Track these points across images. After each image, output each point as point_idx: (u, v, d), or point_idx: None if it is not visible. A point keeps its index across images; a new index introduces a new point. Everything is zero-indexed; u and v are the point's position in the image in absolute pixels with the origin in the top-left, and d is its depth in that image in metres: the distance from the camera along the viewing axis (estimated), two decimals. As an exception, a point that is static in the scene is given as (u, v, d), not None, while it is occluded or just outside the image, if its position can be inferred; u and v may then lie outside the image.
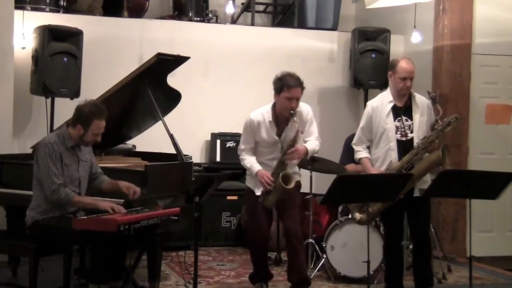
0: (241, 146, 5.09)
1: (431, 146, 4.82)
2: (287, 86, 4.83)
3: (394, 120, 4.93)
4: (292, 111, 4.82)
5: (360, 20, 8.18)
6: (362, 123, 5.11)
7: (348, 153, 6.14)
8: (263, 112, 5.01)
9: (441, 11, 6.92)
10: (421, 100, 4.96)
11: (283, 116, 4.94)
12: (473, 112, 6.91)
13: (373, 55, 7.23)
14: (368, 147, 5.10)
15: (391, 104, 4.96)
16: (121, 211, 4.37)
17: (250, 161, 5.02)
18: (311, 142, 5.01)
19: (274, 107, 5.00)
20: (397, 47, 7.42)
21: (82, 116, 4.50)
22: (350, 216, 5.65)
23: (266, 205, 4.98)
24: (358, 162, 5.15)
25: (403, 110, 4.94)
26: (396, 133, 4.91)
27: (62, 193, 4.35)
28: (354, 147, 5.12)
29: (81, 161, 4.59)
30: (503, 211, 6.96)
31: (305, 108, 5.03)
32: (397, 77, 4.91)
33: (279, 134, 4.97)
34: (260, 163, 5.00)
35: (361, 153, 5.06)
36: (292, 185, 4.86)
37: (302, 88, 4.89)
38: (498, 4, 6.98)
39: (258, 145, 5.03)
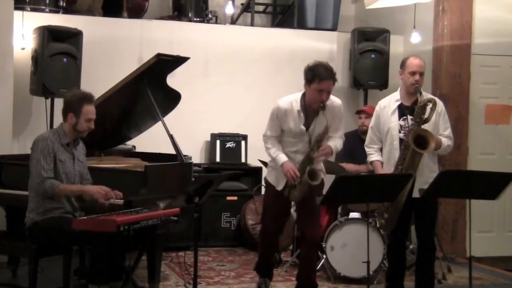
0: (267, 132, 4.90)
1: None
2: (318, 78, 4.62)
3: (399, 119, 4.91)
4: (322, 104, 4.65)
5: (359, 20, 8.18)
6: (371, 122, 5.11)
7: (344, 151, 6.15)
8: (291, 100, 4.80)
9: (440, 11, 6.92)
10: None
11: (312, 107, 4.75)
12: (472, 113, 6.91)
13: (372, 56, 7.24)
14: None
15: (397, 103, 4.94)
16: (110, 195, 4.38)
17: (276, 151, 4.83)
18: (336, 141, 4.87)
19: (304, 96, 4.80)
20: (396, 47, 7.42)
21: (71, 104, 4.51)
22: (349, 217, 5.68)
23: (291, 199, 4.86)
24: (370, 164, 5.12)
25: (410, 109, 4.89)
26: (400, 132, 4.89)
27: (47, 183, 4.34)
28: (366, 149, 5.09)
29: (77, 160, 4.59)
30: (502, 211, 6.97)
31: (337, 102, 4.86)
32: (406, 72, 4.90)
33: (307, 125, 4.80)
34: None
35: (372, 156, 5.03)
36: (318, 181, 4.73)
37: (335, 80, 4.70)
38: (498, 5, 6.99)
39: (284, 134, 4.87)
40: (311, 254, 4.96)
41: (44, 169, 4.36)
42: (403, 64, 4.97)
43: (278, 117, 4.81)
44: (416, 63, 4.90)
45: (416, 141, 4.66)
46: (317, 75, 4.64)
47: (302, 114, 4.78)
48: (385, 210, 4.87)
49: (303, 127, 4.79)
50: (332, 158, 5.35)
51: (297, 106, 4.78)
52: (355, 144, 6.03)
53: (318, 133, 4.74)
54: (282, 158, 4.81)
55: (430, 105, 4.74)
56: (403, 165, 4.76)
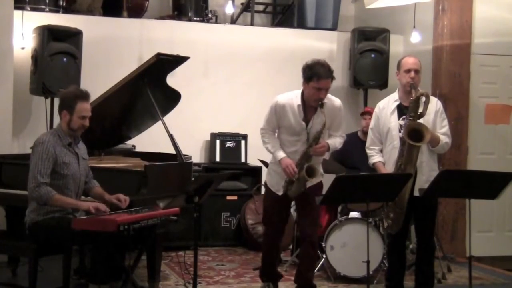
0: (264, 125, 4.91)
1: None
2: (317, 76, 4.66)
3: (399, 119, 4.91)
4: (320, 102, 4.68)
5: (359, 20, 8.18)
6: (371, 124, 5.11)
7: (335, 154, 6.09)
8: (292, 96, 4.82)
9: (440, 11, 6.92)
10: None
11: (311, 105, 4.78)
12: (472, 112, 6.91)
13: (372, 55, 7.24)
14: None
15: (396, 103, 4.95)
16: (106, 211, 4.31)
17: (274, 146, 4.86)
18: (335, 139, 4.89)
19: (302, 94, 4.82)
20: (396, 47, 7.42)
21: (65, 101, 4.45)
22: (349, 216, 5.68)
23: (289, 194, 4.85)
24: (373, 166, 5.12)
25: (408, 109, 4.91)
26: (400, 132, 4.90)
27: (42, 189, 4.28)
28: (368, 151, 5.07)
29: (81, 159, 4.56)
30: (502, 211, 6.97)
31: (337, 102, 4.89)
32: (402, 71, 4.92)
33: (306, 121, 4.80)
34: None
35: (374, 157, 5.01)
36: (315, 177, 4.74)
37: (332, 78, 4.73)
38: (498, 4, 6.99)
39: (282, 132, 4.88)
40: (311, 253, 4.96)
41: (40, 173, 4.30)
42: (398, 65, 5.00)
43: (277, 112, 4.82)
44: (410, 61, 4.92)
45: (411, 135, 4.66)
46: (316, 73, 4.67)
47: (301, 109, 4.78)
48: (391, 210, 4.86)
49: (303, 123, 4.80)
50: (326, 155, 5.36)
51: (297, 101, 4.79)
52: (353, 146, 5.98)
53: (316, 131, 4.76)
54: (281, 154, 4.82)
55: (423, 99, 4.75)
56: (402, 161, 4.76)
